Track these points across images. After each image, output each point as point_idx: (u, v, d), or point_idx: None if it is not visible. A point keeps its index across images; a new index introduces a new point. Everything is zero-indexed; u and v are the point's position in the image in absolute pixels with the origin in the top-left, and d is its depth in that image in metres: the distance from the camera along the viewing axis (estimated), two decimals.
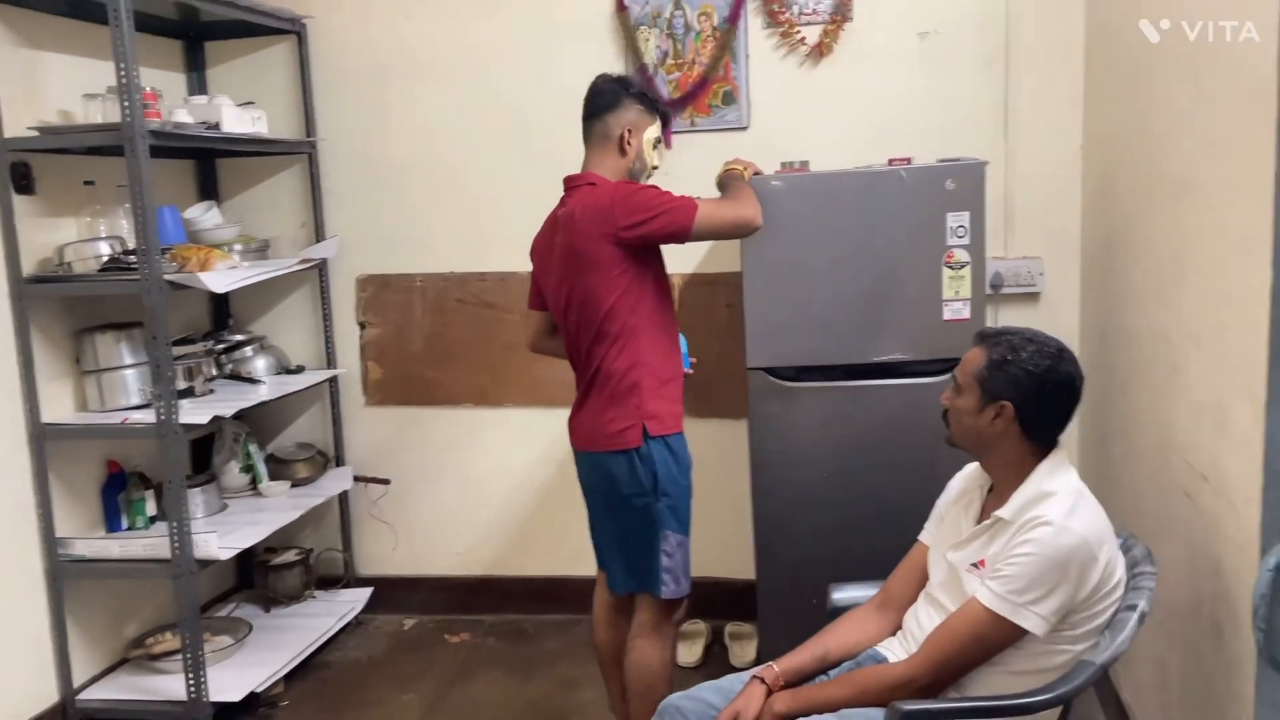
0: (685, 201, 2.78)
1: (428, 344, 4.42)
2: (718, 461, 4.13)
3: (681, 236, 2.77)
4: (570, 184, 2.94)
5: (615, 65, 4.09)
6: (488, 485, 4.50)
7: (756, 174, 3.35)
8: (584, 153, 2.98)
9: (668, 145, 4.05)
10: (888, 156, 3.66)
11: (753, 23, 4.04)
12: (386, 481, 4.53)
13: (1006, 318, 3.86)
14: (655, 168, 2.98)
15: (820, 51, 3.99)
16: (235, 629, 4.10)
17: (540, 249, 3.01)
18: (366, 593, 4.48)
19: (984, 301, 3.37)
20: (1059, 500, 2.10)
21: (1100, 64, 3.63)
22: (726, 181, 3.20)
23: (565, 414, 3.03)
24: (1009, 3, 3.86)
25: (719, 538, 4.22)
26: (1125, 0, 3.22)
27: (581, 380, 2.95)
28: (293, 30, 4.27)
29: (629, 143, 2.90)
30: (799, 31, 3.99)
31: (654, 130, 2.96)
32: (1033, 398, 2.17)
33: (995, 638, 2.11)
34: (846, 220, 3.38)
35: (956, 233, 3.35)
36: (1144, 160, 2.97)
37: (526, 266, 3.12)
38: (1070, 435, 3.56)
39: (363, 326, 4.47)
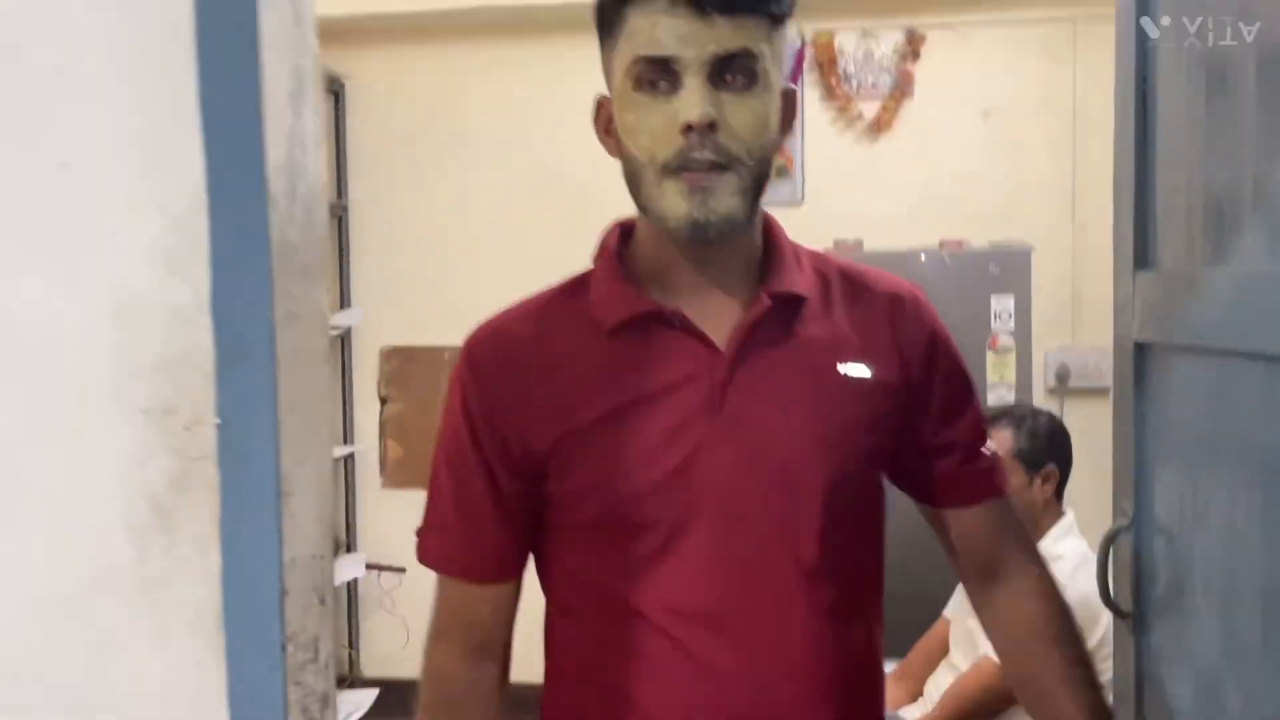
0: None
1: None
2: None
3: None
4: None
5: None
6: None
7: None
8: None
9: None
10: (940, 238, 3.58)
11: (809, 95, 3.95)
12: (402, 570, 4.25)
13: (1076, 414, 3.65)
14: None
15: (878, 127, 3.89)
16: None
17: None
18: (372, 695, 4.16)
19: (1030, 388, 3.41)
20: (1064, 564, 2.23)
21: None
22: None
23: None
24: (1076, 82, 3.76)
25: None
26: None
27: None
28: (330, 90, 4.20)
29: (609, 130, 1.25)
30: (857, 106, 3.87)
31: (622, 62, 1.15)
32: (1067, 454, 2.43)
33: (1001, 689, 2.20)
34: None
35: (1000, 317, 3.36)
36: None
37: None
38: None
39: (384, 402, 4.30)
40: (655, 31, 1.08)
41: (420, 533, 1.32)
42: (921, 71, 3.87)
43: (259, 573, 0.88)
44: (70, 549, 0.89)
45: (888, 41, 3.87)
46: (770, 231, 1.25)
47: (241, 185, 0.87)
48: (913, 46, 3.85)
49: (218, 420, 0.87)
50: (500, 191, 4.15)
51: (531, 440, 1.18)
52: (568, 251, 3.87)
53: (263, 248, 0.87)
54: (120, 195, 0.87)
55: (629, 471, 1.14)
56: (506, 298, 3.94)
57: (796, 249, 1.26)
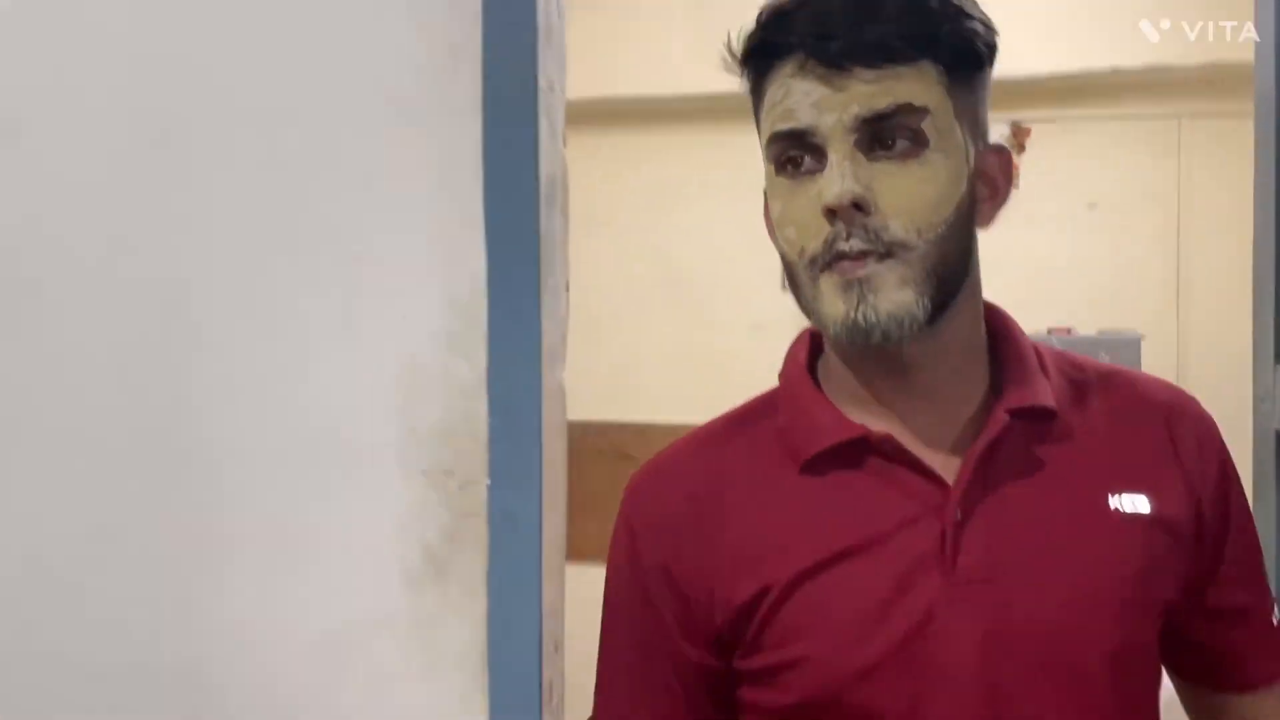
0: None
1: None
2: None
3: None
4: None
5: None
6: None
7: None
8: None
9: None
10: (1048, 325, 3.64)
11: None
12: None
13: None
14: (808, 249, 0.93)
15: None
16: None
17: None
18: None
19: None
20: None
21: None
22: None
23: None
24: (1180, 177, 3.81)
25: None
26: None
27: None
28: None
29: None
30: None
31: (763, 143, 0.93)
32: None
33: None
34: None
35: None
36: None
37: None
38: None
39: None
40: (788, 101, 0.87)
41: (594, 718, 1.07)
42: (1027, 163, 3.94)
43: (522, 618, 0.99)
44: (354, 592, 1.02)
45: (994, 134, 3.95)
46: (999, 326, 0.99)
47: (518, 278, 1.00)
48: (1018, 140, 3.94)
49: (488, 481, 0.99)
50: (606, 267, 4.25)
51: (717, 602, 0.94)
52: (676, 332, 3.93)
53: (535, 332, 1.00)
54: (412, 284, 1.01)
55: (842, 645, 0.90)
56: (611, 371, 3.92)
57: (1038, 349, 0.99)
